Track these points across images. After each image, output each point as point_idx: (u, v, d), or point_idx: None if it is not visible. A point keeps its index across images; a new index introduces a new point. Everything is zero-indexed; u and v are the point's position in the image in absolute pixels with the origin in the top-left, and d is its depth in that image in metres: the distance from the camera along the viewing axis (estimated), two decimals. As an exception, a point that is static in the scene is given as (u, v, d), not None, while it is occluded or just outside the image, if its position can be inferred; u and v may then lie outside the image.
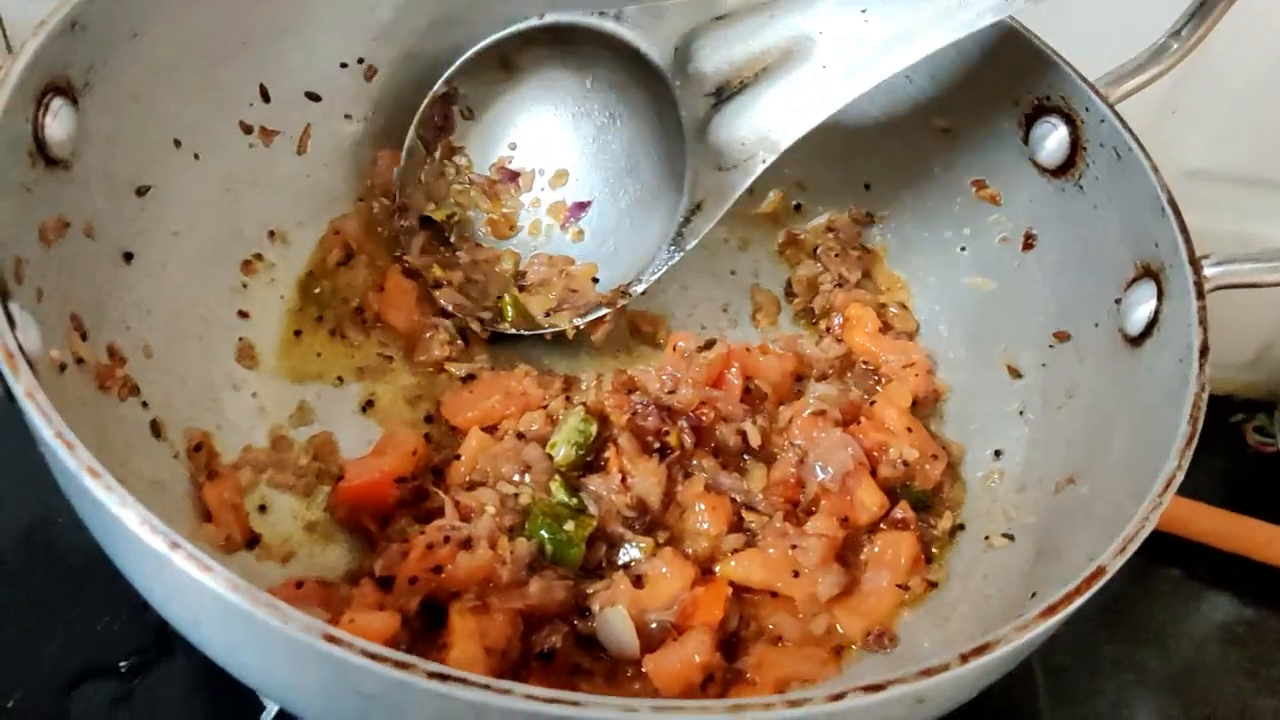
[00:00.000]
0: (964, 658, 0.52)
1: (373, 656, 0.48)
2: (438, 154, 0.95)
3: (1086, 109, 0.84)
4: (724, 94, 0.87)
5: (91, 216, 0.75)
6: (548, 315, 0.88)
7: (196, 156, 0.86)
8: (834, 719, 0.51)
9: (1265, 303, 1.36)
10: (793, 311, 0.98)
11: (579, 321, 0.88)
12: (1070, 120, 0.85)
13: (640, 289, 0.88)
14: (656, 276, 0.88)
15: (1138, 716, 1.18)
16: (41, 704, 0.82)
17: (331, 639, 0.48)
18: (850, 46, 0.83)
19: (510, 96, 0.95)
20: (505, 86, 0.95)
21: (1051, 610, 0.55)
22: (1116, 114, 0.82)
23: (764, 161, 0.85)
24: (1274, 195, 1.24)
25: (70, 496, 0.59)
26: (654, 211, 0.91)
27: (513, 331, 0.89)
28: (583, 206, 0.94)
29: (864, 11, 0.82)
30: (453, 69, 0.94)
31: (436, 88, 0.95)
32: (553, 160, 0.96)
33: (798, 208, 1.03)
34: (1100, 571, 0.57)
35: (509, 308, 0.89)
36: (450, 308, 0.89)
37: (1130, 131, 0.81)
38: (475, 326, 0.89)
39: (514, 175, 0.96)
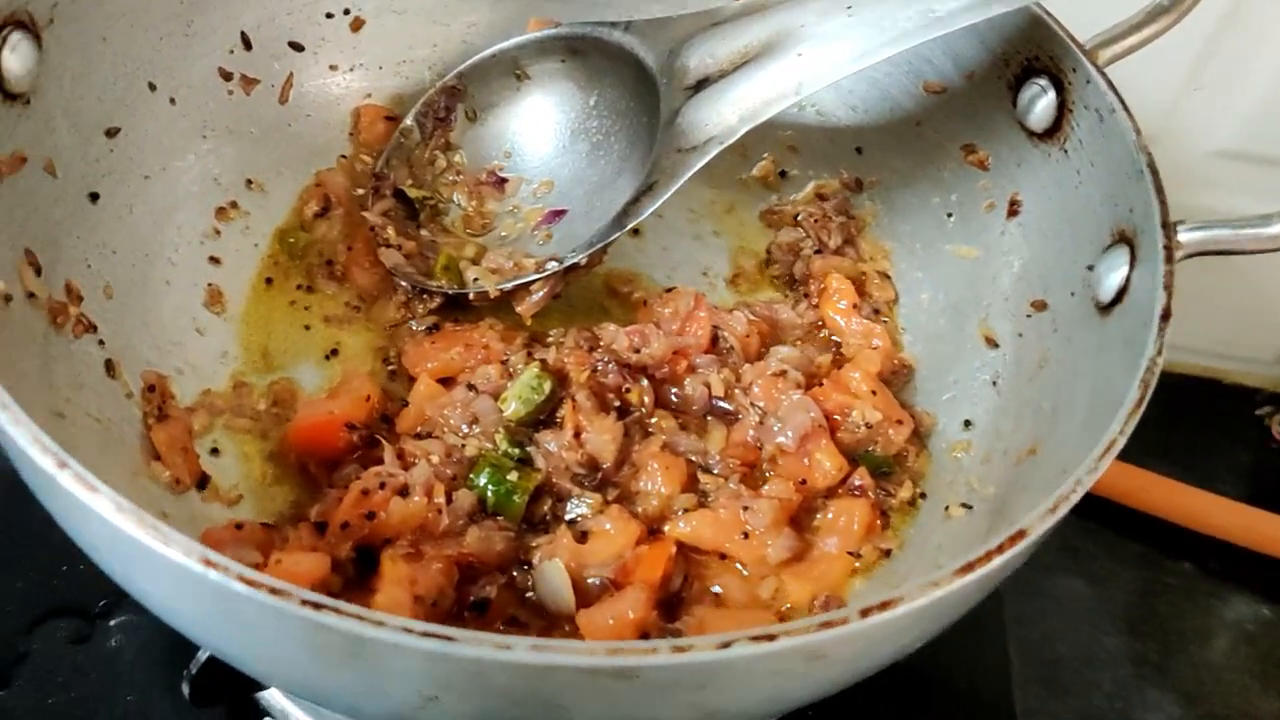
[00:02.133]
0: (864, 613, 0.50)
1: (248, 582, 0.47)
2: (432, 143, 0.95)
3: (1074, 70, 0.81)
4: (702, 86, 0.86)
5: (53, 154, 0.75)
6: (475, 280, 0.87)
7: (172, 101, 0.86)
8: (721, 669, 0.49)
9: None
10: (770, 276, 0.96)
11: (505, 285, 0.85)
12: (1058, 82, 0.82)
13: (568, 261, 0.85)
14: (588, 252, 0.86)
15: (1135, 711, 1.14)
16: (2, 639, 0.84)
17: (209, 563, 0.48)
18: (830, 39, 0.81)
19: (516, 106, 0.96)
20: (513, 96, 0.96)
21: (966, 569, 0.53)
22: (1104, 75, 0.79)
23: (720, 143, 0.83)
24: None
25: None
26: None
27: (436, 288, 0.87)
28: (558, 214, 0.93)
29: (849, 8, 0.81)
30: (466, 65, 0.95)
31: (447, 79, 0.95)
32: (542, 172, 0.95)
33: (783, 175, 1.01)
34: (1021, 534, 0.54)
35: (440, 265, 0.88)
36: (389, 265, 0.88)
37: (1116, 93, 0.78)
38: (404, 286, 0.88)
39: (502, 181, 0.95)
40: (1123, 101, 0.77)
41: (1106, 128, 0.77)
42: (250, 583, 0.47)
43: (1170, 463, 1.28)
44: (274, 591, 0.47)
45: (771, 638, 0.49)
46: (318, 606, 0.47)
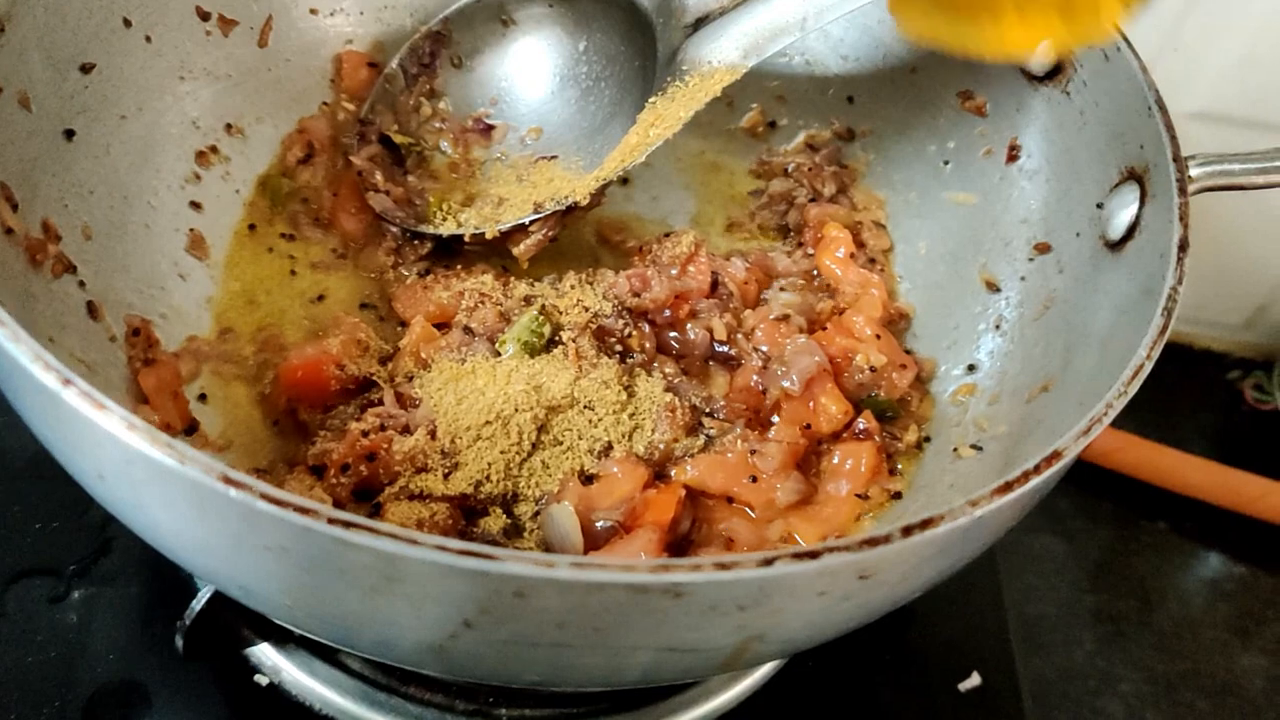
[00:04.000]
0: (906, 531, 0.49)
1: (273, 500, 0.45)
2: (416, 89, 0.93)
3: (1075, 10, 0.80)
4: (702, 23, 0.84)
5: (26, 86, 0.72)
6: (469, 222, 0.85)
7: (148, 39, 0.83)
8: (767, 587, 0.48)
9: (1262, 263, 1.33)
10: (761, 225, 0.95)
11: (503, 225, 0.83)
12: (1059, 24, 0.81)
13: (555, 206, 0.84)
14: (576, 198, 0.84)
15: (1116, 668, 1.15)
16: (-24, 598, 0.80)
17: (229, 480, 0.45)
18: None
19: (503, 53, 0.94)
20: (499, 42, 0.93)
21: (1006, 488, 0.52)
22: (1107, 15, 0.78)
23: (726, 78, 0.82)
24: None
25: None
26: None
27: (430, 231, 0.85)
28: (547, 160, 0.91)
29: None
30: (451, 10, 0.92)
31: (431, 24, 0.93)
32: (530, 119, 0.93)
33: (772, 125, 0.99)
34: (1057, 455, 0.53)
35: (434, 207, 0.86)
36: (379, 209, 0.85)
37: (1120, 32, 0.77)
38: (394, 230, 0.86)
39: (489, 129, 0.93)
40: (1128, 40, 0.77)
41: (1112, 66, 0.77)
42: (275, 500, 0.45)
43: (1142, 426, 1.29)
44: (301, 510, 0.45)
45: (815, 554, 0.47)
46: (348, 525, 0.45)
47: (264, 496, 0.45)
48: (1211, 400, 1.41)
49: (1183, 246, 0.65)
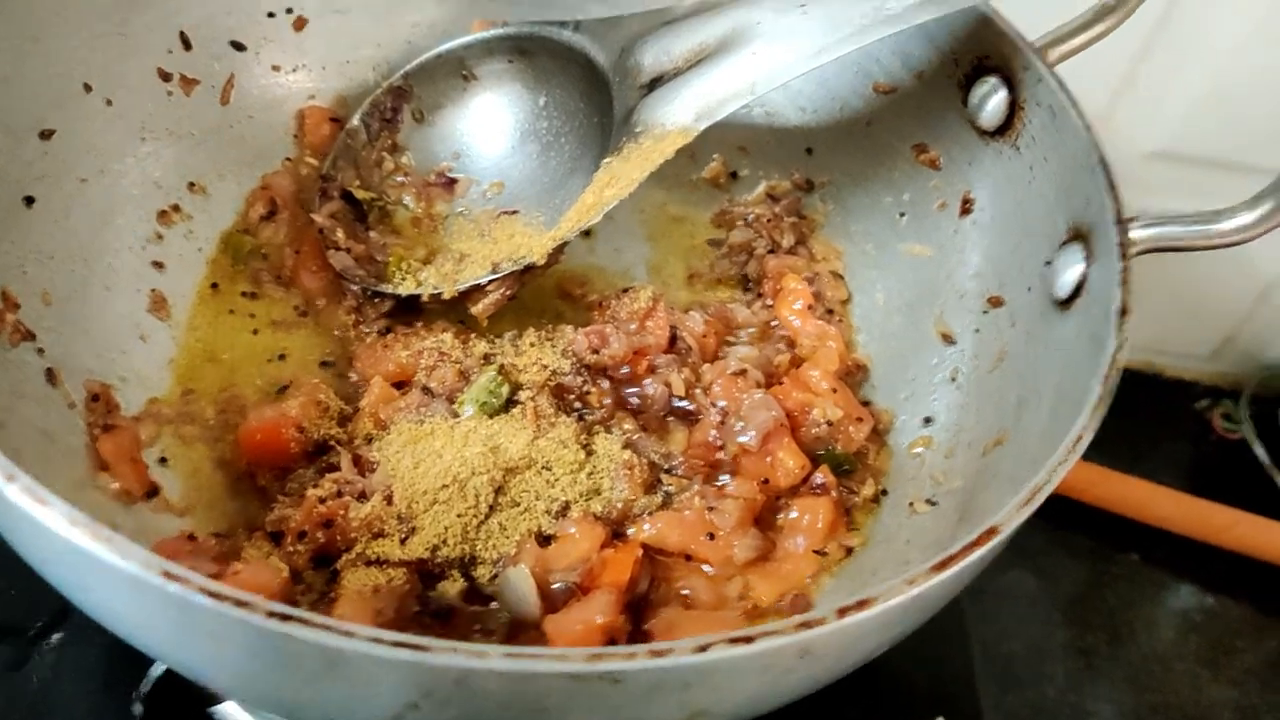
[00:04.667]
0: (841, 612, 0.50)
1: (211, 594, 0.46)
2: (379, 144, 0.94)
3: (1025, 68, 0.81)
4: (656, 85, 0.85)
5: (-15, 157, 0.73)
6: (428, 281, 0.86)
7: (109, 102, 0.84)
8: (705, 670, 0.49)
9: (1230, 294, 1.35)
10: (722, 277, 0.96)
11: (461, 285, 0.84)
12: (1009, 80, 0.83)
13: (511, 267, 0.84)
14: (533, 259, 0.85)
15: (1087, 703, 1.16)
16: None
17: (168, 575, 0.46)
18: (785, 36, 0.81)
19: (464, 107, 0.95)
20: (461, 97, 0.94)
21: (942, 566, 0.52)
22: (1054, 73, 0.80)
23: (678, 141, 0.83)
24: (1237, 179, 1.22)
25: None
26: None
27: (388, 290, 0.86)
28: (508, 215, 0.92)
29: (803, 6, 0.81)
30: (412, 66, 0.93)
31: (393, 79, 0.94)
32: (492, 173, 0.94)
33: (734, 176, 1.00)
34: (994, 530, 0.54)
35: (392, 267, 0.87)
36: (339, 268, 0.86)
37: (1066, 91, 0.79)
38: (354, 289, 0.86)
39: (451, 183, 0.94)
40: (1073, 99, 0.78)
41: (1059, 124, 0.78)
42: (214, 595, 0.46)
43: (1112, 456, 1.30)
44: (239, 604, 0.46)
45: (750, 640, 0.48)
46: (285, 618, 0.45)
47: (202, 590, 0.46)
48: (1181, 430, 1.42)
49: (1123, 312, 0.66)
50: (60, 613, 0.83)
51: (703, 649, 0.47)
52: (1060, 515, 1.27)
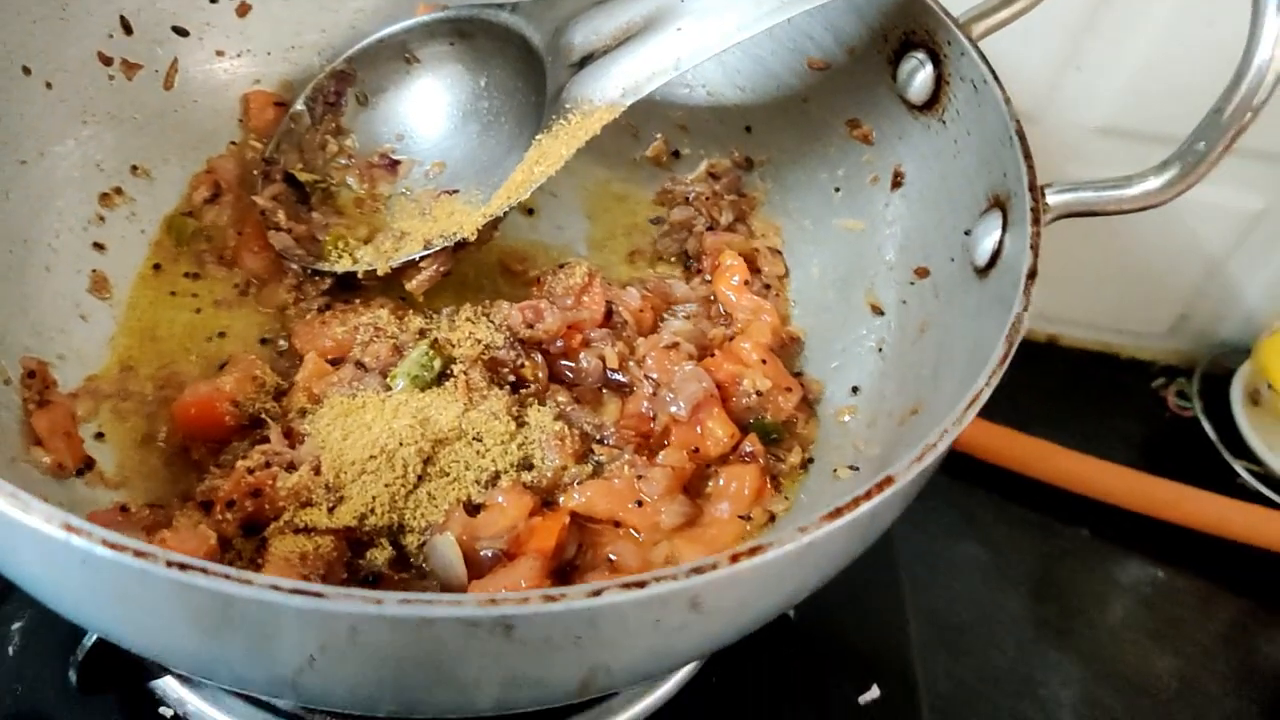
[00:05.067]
0: (734, 558, 0.51)
1: (111, 545, 0.47)
2: (322, 127, 0.95)
3: (949, 43, 0.83)
4: (586, 62, 0.87)
5: (-82, 136, 0.74)
6: (363, 259, 0.87)
7: (49, 85, 0.85)
8: (597, 618, 0.50)
9: (1183, 271, 1.36)
10: (663, 253, 0.97)
11: (394, 262, 0.86)
12: (935, 55, 0.84)
13: (456, 238, 0.86)
14: (464, 234, 0.86)
15: (1036, 673, 1.18)
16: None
17: (70, 528, 0.47)
18: (708, 13, 0.83)
19: (406, 90, 0.96)
20: (403, 80, 0.96)
21: (834, 514, 0.54)
22: (976, 48, 0.81)
23: (605, 117, 0.84)
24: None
25: None
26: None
27: (325, 268, 0.87)
28: (449, 194, 0.93)
29: None
30: (355, 50, 0.95)
31: (336, 63, 0.95)
32: (433, 154, 0.95)
33: (676, 154, 1.02)
34: (889, 480, 0.56)
35: (331, 244, 0.88)
36: (279, 247, 0.88)
37: (988, 64, 0.80)
38: (294, 268, 0.88)
39: (394, 164, 0.95)
40: (994, 72, 0.79)
41: (981, 97, 0.79)
42: (114, 546, 0.47)
43: (1068, 434, 1.32)
44: (139, 554, 0.47)
45: (642, 585, 0.50)
46: (184, 567, 0.47)
47: (103, 543, 0.47)
48: (1137, 408, 1.44)
49: (1031, 275, 0.67)
50: (6, 584, 0.84)
51: (596, 593, 0.49)
52: (1012, 490, 1.29)
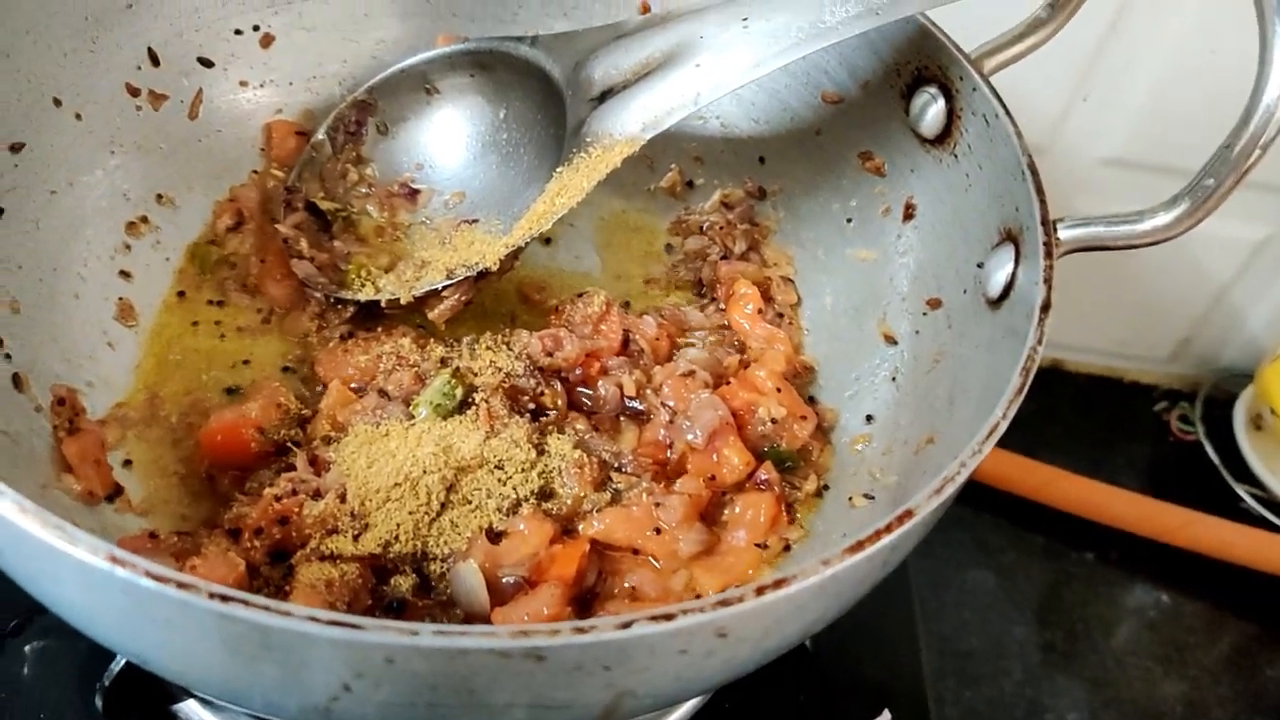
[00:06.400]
0: (760, 590, 0.52)
1: (155, 577, 0.48)
2: (343, 156, 0.97)
3: (961, 78, 0.85)
4: (606, 96, 0.88)
5: (-48, 169, 0.75)
6: (386, 288, 0.89)
7: (79, 117, 0.87)
8: (626, 649, 0.51)
9: (1186, 297, 1.38)
10: (678, 282, 0.98)
11: (416, 291, 0.87)
12: (947, 90, 0.86)
13: (466, 272, 0.88)
14: (486, 264, 0.88)
15: (1044, 698, 1.19)
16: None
17: (115, 560, 0.49)
18: (727, 49, 0.84)
19: (427, 120, 0.98)
20: (423, 110, 0.97)
21: (857, 547, 0.55)
22: (988, 83, 0.83)
23: (625, 151, 0.86)
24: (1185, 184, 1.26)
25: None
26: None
27: (348, 296, 0.89)
28: (469, 224, 0.95)
29: (745, 20, 0.84)
30: (376, 80, 0.96)
31: (357, 93, 0.97)
32: (453, 184, 0.97)
33: (690, 184, 1.04)
34: (909, 514, 0.57)
35: (352, 274, 0.90)
36: (302, 275, 0.89)
37: (999, 99, 0.82)
38: (317, 296, 0.89)
39: (414, 193, 0.97)
40: (1005, 108, 0.81)
41: (992, 132, 0.81)
42: (157, 578, 0.48)
43: (1074, 458, 1.33)
44: (181, 585, 0.48)
45: (670, 617, 0.51)
46: (225, 599, 0.48)
47: (147, 574, 0.48)
48: (1141, 432, 1.45)
49: (1045, 308, 0.69)
50: (34, 608, 0.85)
51: (625, 625, 0.50)
52: (1021, 516, 1.30)
